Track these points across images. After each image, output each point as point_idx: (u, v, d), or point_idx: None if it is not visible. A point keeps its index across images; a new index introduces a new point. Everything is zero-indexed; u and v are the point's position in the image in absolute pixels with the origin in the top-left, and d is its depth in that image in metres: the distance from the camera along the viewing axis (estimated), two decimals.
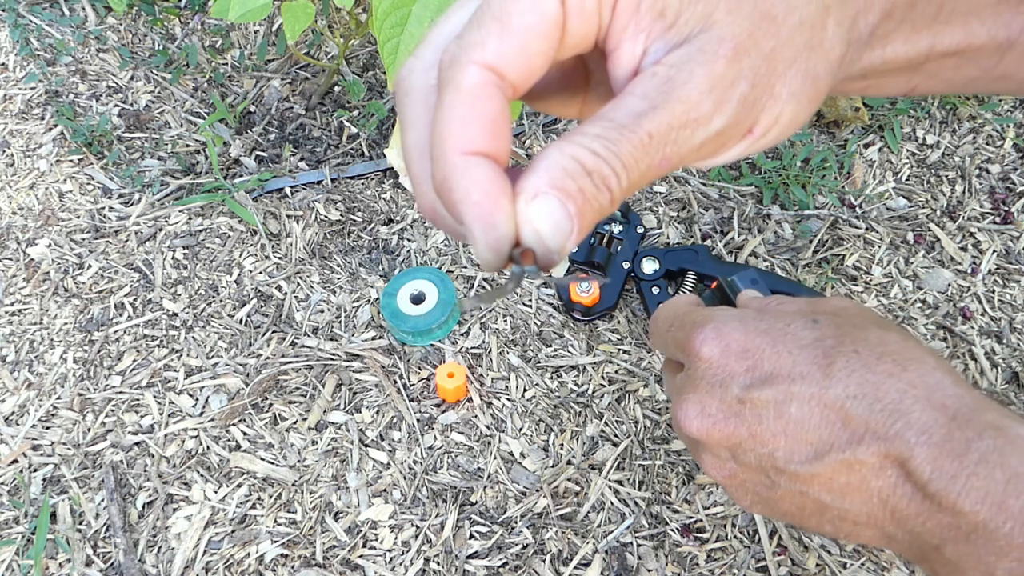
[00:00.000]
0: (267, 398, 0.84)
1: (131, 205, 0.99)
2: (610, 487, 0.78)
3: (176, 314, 0.90)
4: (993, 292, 0.90)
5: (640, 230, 0.91)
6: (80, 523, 0.79)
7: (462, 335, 0.87)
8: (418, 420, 0.82)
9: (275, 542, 0.77)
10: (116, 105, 1.08)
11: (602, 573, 0.74)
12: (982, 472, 0.34)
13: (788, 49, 0.27)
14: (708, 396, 0.39)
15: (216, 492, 0.80)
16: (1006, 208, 0.95)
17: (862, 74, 0.33)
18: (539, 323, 0.88)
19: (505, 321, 0.88)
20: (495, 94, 0.26)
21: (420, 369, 0.85)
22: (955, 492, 0.34)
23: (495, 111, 0.26)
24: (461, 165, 0.25)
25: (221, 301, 0.91)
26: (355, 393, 0.84)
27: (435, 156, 0.26)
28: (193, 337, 0.89)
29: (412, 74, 0.28)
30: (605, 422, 0.81)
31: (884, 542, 0.38)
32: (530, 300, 0.89)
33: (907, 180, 0.98)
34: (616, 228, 0.91)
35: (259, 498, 0.79)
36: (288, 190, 0.99)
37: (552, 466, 0.80)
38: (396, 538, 0.77)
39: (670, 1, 0.26)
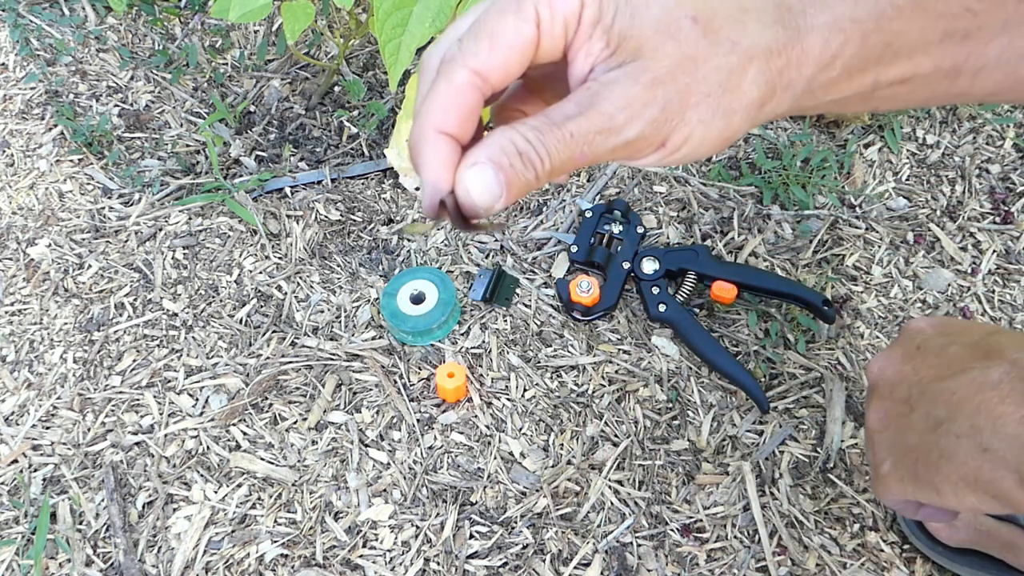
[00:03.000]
0: (267, 398, 0.84)
1: (131, 205, 0.99)
2: (610, 487, 0.78)
3: (176, 314, 0.90)
4: (993, 292, 0.90)
5: (640, 230, 0.91)
6: (80, 523, 0.79)
7: (462, 335, 0.87)
8: (418, 420, 0.82)
9: (275, 542, 0.77)
10: (116, 105, 1.08)
11: (602, 573, 0.74)
12: None
13: (703, 86, 0.34)
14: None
15: (216, 492, 0.80)
16: (1006, 208, 0.95)
17: (815, 106, 0.39)
18: (539, 323, 0.88)
19: (505, 321, 0.88)
20: (474, 93, 0.34)
21: (420, 369, 0.85)
22: None
23: (470, 106, 0.34)
24: (432, 139, 0.34)
25: (221, 301, 0.91)
26: (355, 393, 0.84)
27: (415, 124, 0.34)
28: (193, 337, 0.89)
29: (431, 58, 0.36)
30: (605, 422, 0.82)
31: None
32: (530, 300, 0.89)
33: (907, 180, 0.98)
34: (616, 228, 0.91)
35: (259, 498, 0.79)
36: (288, 190, 0.99)
37: (552, 466, 0.80)
38: (396, 538, 0.77)
39: (613, 34, 0.34)
